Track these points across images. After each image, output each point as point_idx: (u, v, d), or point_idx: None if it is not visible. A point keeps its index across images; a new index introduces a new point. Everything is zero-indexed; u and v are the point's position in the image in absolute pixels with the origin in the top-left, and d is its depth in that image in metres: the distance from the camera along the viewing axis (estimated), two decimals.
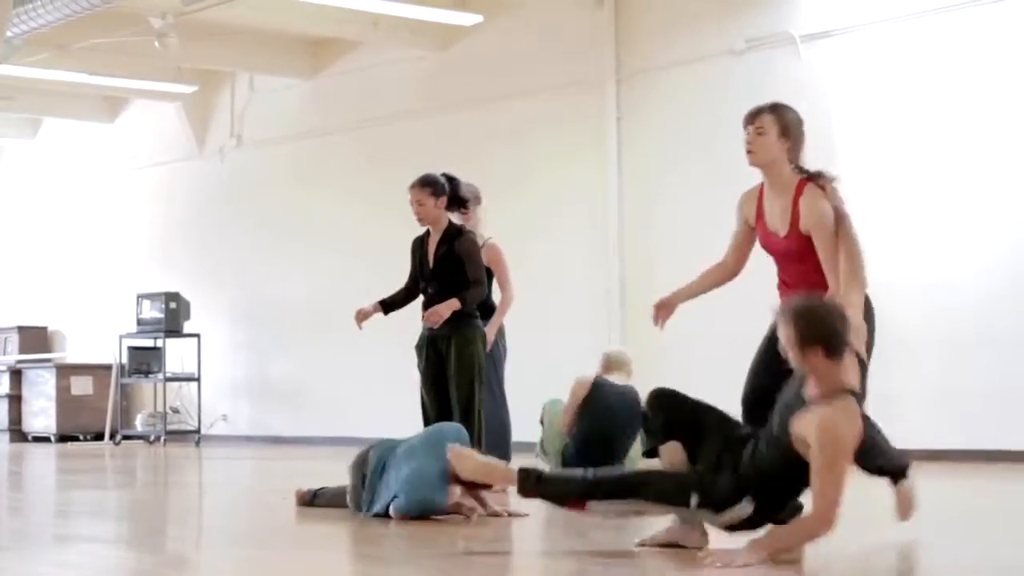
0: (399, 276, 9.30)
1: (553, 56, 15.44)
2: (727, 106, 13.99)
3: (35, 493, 11.21)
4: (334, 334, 16.71)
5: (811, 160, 13.89)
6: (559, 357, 15.09)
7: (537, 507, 7.86)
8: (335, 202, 17.74)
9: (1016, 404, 11.88)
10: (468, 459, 6.40)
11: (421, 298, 9.11)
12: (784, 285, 6.84)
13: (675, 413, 6.04)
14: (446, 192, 8.91)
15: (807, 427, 5.43)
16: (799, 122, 6.70)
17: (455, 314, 8.76)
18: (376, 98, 17.29)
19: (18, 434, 20.06)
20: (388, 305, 9.19)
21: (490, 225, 10.53)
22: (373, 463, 7.60)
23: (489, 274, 9.91)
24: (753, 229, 6.84)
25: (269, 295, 18.64)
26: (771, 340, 6.64)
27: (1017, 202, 12.10)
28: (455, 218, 9.52)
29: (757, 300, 13.98)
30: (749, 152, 6.66)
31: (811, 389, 5.54)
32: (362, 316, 9.01)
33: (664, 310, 7.07)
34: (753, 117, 6.70)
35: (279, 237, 18.44)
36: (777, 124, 6.65)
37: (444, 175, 9.02)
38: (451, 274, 8.88)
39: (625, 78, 14.82)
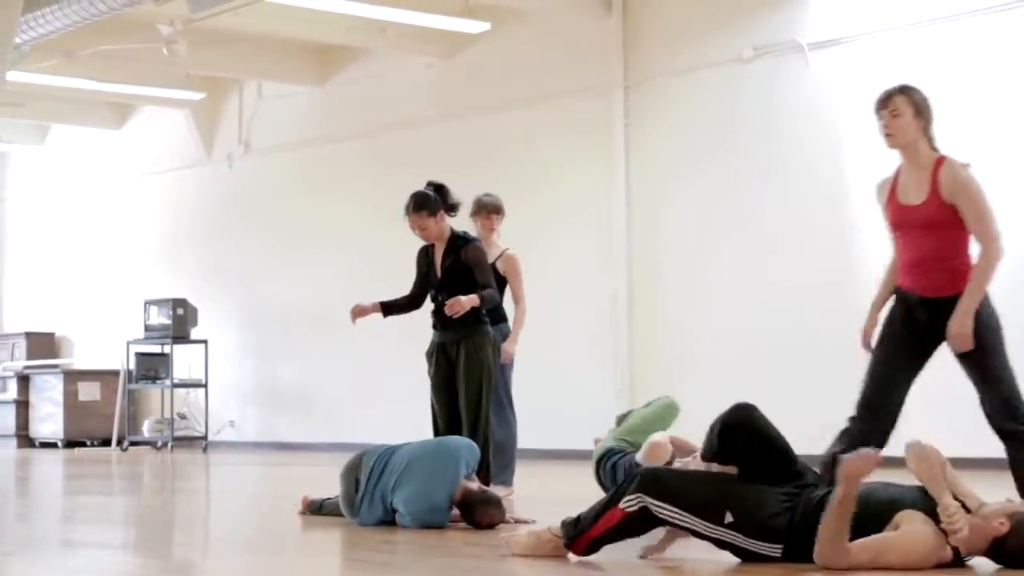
0: (407, 282, 9.30)
1: (560, 63, 15.46)
2: (735, 113, 14.02)
3: (42, 499, 11.22)
4: (342, 340, 16.71)
5: (818, 167, 13.94)
6: (565, 362, 15.11)
7: (544, 514, 7.87)
8: (342, 209, 17.75)
9: None
10: (519, 542, 6.21)
11: (429, 307, 9.11)
12: (914, 271, 6.70)
13: (742, 446, 5.88)
14: (440, 205, 8.85)
15: (911, 521, 5.44)
16: (928, 100, 6.73)
17: (466, 319, 8.73)
18: (384, 105, 17.31)
19: (25, 440, 20.09)
20: (388, 307, 9.15)
21: (500, 231, 10.57)
22: (368, 468, 7.59)
23: (502, 283, 9.94)
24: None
25: (276, 301, 18.65)
26: (887, 338, 6.72)
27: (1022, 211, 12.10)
28: (472, 229, 9.56)
29: (760, 304, 14.01)
30: (888, 135, 6.65)
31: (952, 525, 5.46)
32: (359, 312, 8.97)
33: (870, 332, 6.94)
34: (886, 100, 6.69)
35: (286, 243, 18.45)
36: (911, 104, 6.67)
37: (430, 184, 8.97)
38: (460, 282, 8.86)
39: (633, 85, 14.83)
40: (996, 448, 6.85)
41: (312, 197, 18.16)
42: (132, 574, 6.22)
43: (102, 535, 7.99)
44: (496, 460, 9.47)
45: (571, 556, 5.92)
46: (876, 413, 6.69)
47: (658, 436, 8.89)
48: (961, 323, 6.55)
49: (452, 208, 8.97)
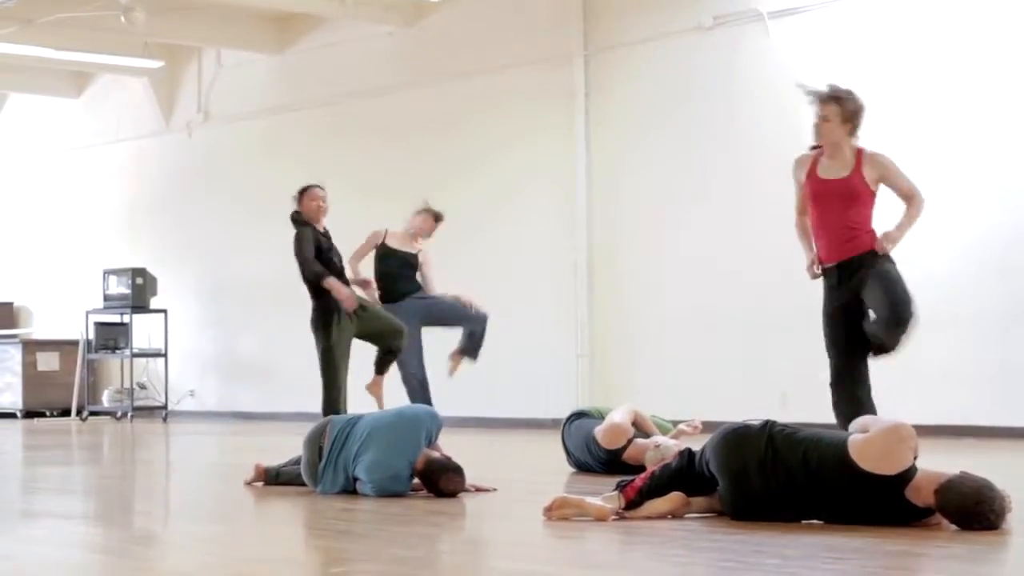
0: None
1: (521, 32, 15.43)
2: (694, 82, 14.03)
3: (1, 469, 11.18)
4: (302, 310, 16.59)
5: (778, 136, 13.94)
6: (527, 330, 15.13)
7: (505, 482, 7.90)
8: (303, 177, 17.61)
9: (975, 381, 11.98)
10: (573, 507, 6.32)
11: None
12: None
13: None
14: None
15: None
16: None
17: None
18: (344, 74, 17.24)
19: None
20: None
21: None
22: (332, 436, 7.59)
23: None
24: None
25: (236, 271, 18.60)
26: None
27: (984, 180, 12.16)
28: None
29: (718, 272, 14.04)
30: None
31: None
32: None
33: None
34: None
35: (246, 212, 18.38)
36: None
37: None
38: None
39: (593, 54, 14.82)
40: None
41: (272, 165, 18.08)
42: (92, 544, 6.21)
43: (62, 505, 7.97)
44: None
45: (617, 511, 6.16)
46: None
47: (619, 417, 8.91)
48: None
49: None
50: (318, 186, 11.07)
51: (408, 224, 12.43)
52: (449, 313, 12.10)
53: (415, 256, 12.27)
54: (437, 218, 12.41)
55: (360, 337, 10.57)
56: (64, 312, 20.06)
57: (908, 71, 12.65)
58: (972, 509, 5.64)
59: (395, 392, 11.51)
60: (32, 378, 19.35)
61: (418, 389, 11.86)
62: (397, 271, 12.13)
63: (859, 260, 7.83)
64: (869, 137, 12.84)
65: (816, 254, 8.05)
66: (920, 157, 12.50)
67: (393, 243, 12.33)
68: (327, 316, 10.52)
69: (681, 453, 6.29)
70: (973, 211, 12.13)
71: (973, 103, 12.25)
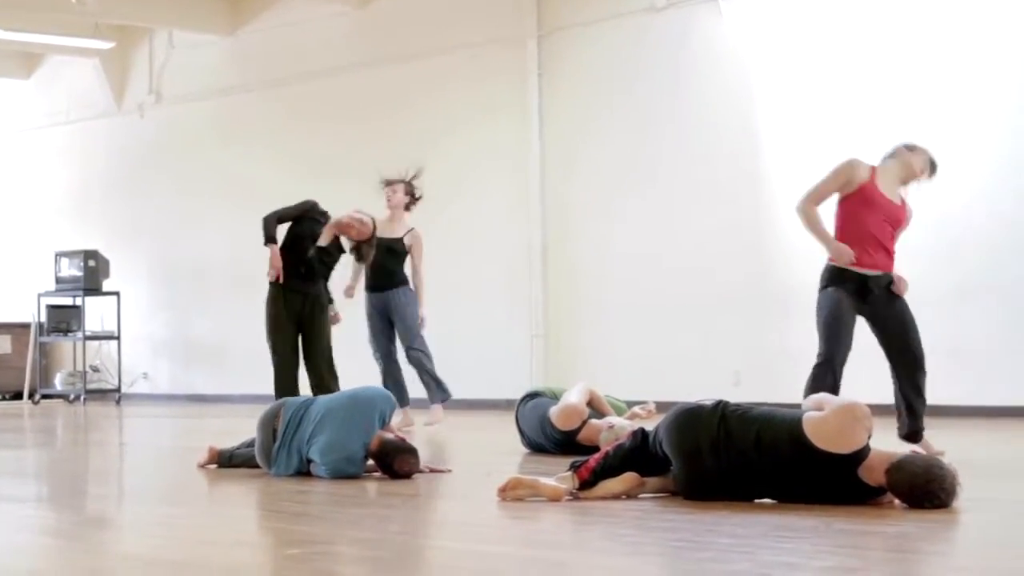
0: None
1: (474, 12, 15.42)
2: (647, 62, 14.05)
3: None
4: (255, 292, 16.57)
5: (728, 117, 13.99)
6: (481, 310, 15.15)
7: (459, 463, 7.91)
8: (255, 159, 17.64)
9: (955, 361, 12.06)
10: (526, 488, 6.31)
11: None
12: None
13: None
14: None
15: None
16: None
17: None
18: (296, 54, 17.19)
19: None
20: None
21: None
22: (286, 419, 7.57)
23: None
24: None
25: (189, 253, 18.52)
26: None
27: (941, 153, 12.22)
28: None
29: (670, 252, 14.08)
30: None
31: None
32: None
33: None
34: None
35: (199, 194, 18.32)
36: None
37: None
38: None
39: (546, 34, 14.83)
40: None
41: (225, 147, 18.02)
42: (46, 527, 6.19)
43: (14, 489, 7.93)
44: None
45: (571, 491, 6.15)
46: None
47: (575, 398, 8.91)
48: None
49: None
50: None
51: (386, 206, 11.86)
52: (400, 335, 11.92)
53: (399, 241, 11.69)
54: (406, 188, 11.91)
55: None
56: (15, 295, 19.93)
57: (860, 52, 12.70)
58: (922, 488, 5.69)
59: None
60: None
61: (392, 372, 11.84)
62: (380, 259, 11.36)
63: (884, 278, 8.33)
64: (821, 117, 12.94)
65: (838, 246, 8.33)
66: (871, 132, 12.56)
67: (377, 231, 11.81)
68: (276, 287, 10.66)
69: (634, 433, 6.30)
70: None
71: (922, 81, 12.30)
